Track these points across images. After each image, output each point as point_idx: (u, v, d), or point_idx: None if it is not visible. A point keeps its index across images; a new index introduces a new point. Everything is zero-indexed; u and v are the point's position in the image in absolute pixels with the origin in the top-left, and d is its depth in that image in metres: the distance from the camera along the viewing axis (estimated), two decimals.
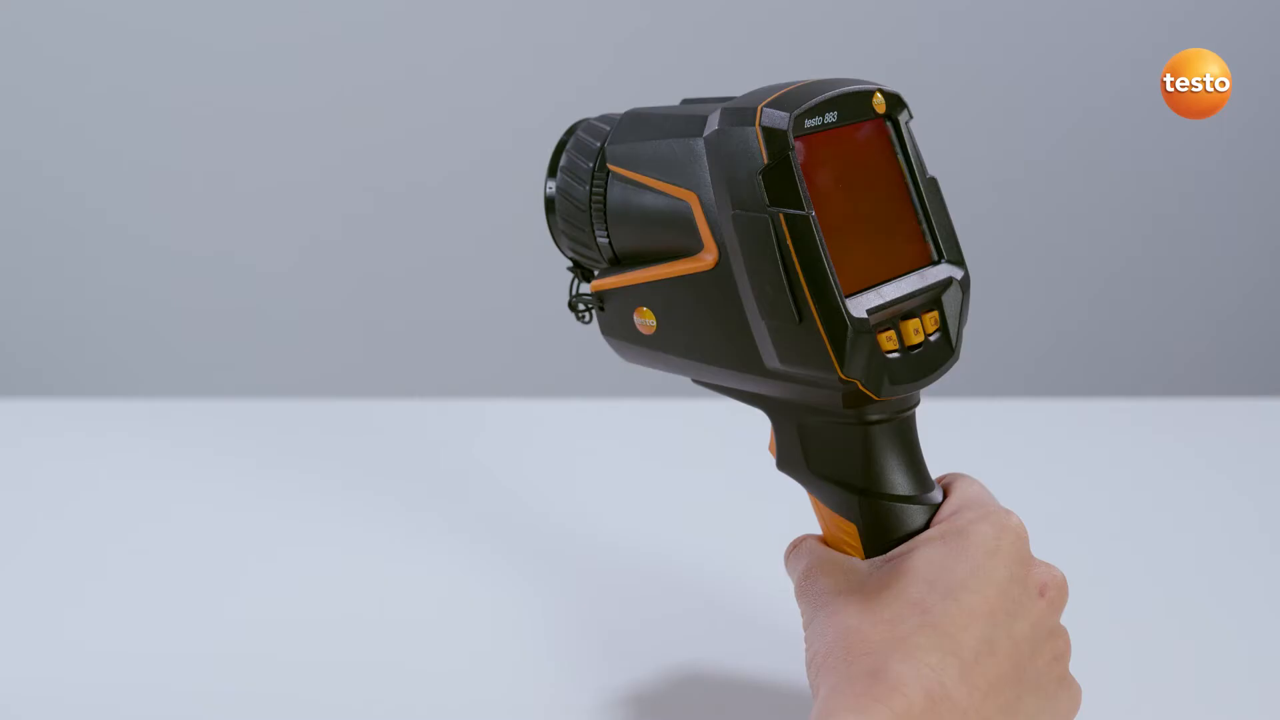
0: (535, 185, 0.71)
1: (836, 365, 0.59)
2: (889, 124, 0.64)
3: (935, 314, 0.63)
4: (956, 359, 0.64)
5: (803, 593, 0.63)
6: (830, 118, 0.61)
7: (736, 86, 0.70)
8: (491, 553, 0.93)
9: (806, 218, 0.59)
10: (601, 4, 2.28)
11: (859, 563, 0.62)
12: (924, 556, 0.60)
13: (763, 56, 2.25)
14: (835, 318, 0.59)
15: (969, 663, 0.57)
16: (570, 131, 0.68)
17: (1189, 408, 1.27)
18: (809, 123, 0.60)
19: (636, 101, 0.69)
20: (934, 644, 0.57)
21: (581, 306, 0.69)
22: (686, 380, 0.68)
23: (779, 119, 0.59)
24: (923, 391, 0.64)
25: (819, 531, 0.67)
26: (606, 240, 0.66)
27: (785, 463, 0.65)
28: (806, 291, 0.59)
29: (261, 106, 2.29)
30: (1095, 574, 0.83)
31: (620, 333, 0.67)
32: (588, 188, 0.66)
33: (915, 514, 0.63)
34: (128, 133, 2.29)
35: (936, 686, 0.56)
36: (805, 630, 0.62)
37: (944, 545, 0.60)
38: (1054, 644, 0.61)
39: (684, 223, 0.62)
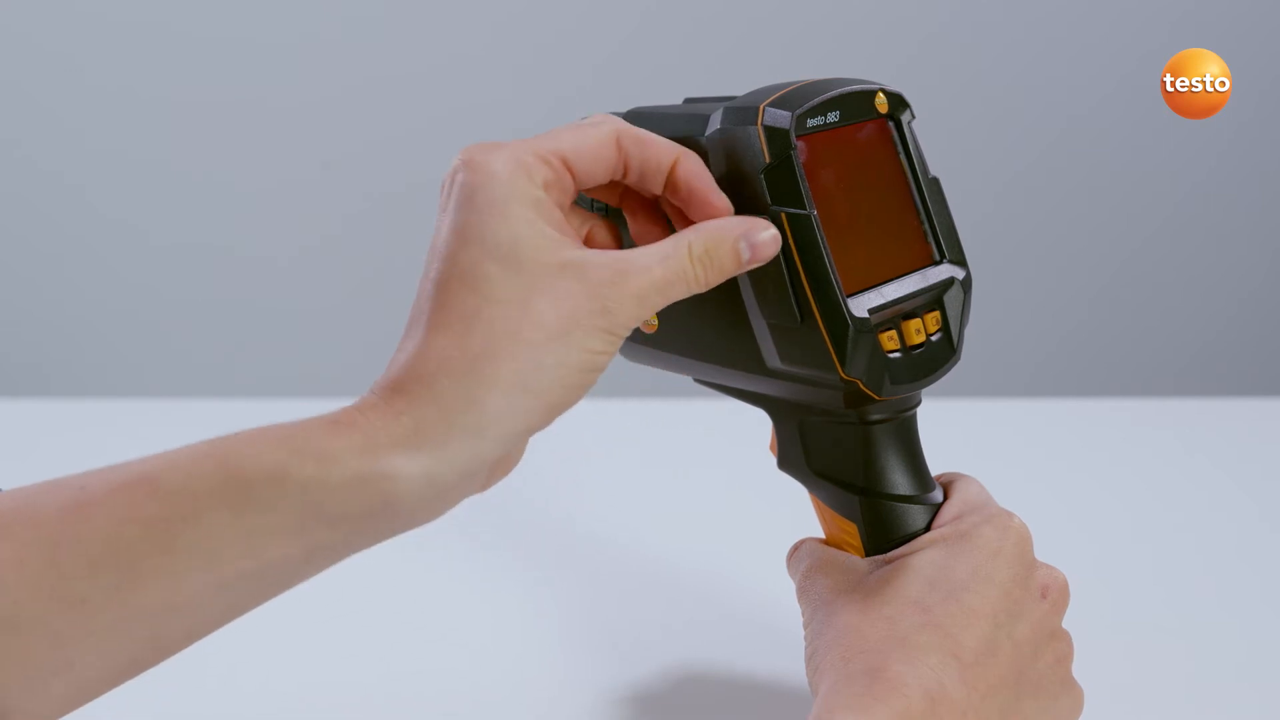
0: None
1: (838, 365, 0.59)
2: (891, 124, 0.64)
3: (937, 314, 0.63)
4: (958, 359, 0.64)
5: (803, 592, 0.63)
6: (832, 117, 0.61)
7: (738, 85, 0.70)
8: (489, 552, 0.93)
9: (808, 217, 0.59)
10: (602, 3, 2.28)
11: (860, 562, 0.62)
12: (925, 557, 0.60)
13: (764, 56, 2.25)
14: (837, 317, 0.59)
15: (969, 664, 0.57)
16: None
17: (1189, 408, 1.27)
18: (811, 122, 0.60)
19: (637, 101, 0.69)
20: (934, 644, 0.57)
21: None
22: (686, 380, 0.68)
23: (781, 118, 0.59)
24: (924, 391, 0.64)
25: (820, 532, 0.67)
26: None
27: (786, 462, 0.65)
28: (808, 291, 0.59)
29: (262, 104, 2.29)
30: (1096, 575, 0.83)
31: None
32: None
33: (916, 514, 0.63)
34: (127, 130, 2.29)
35: (936, 686, 0.56)
36: (805, 630, 0.62)
37: (946, 547, 0.60)
38: (1056, 646, 0.61)
39: None
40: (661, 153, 0.57)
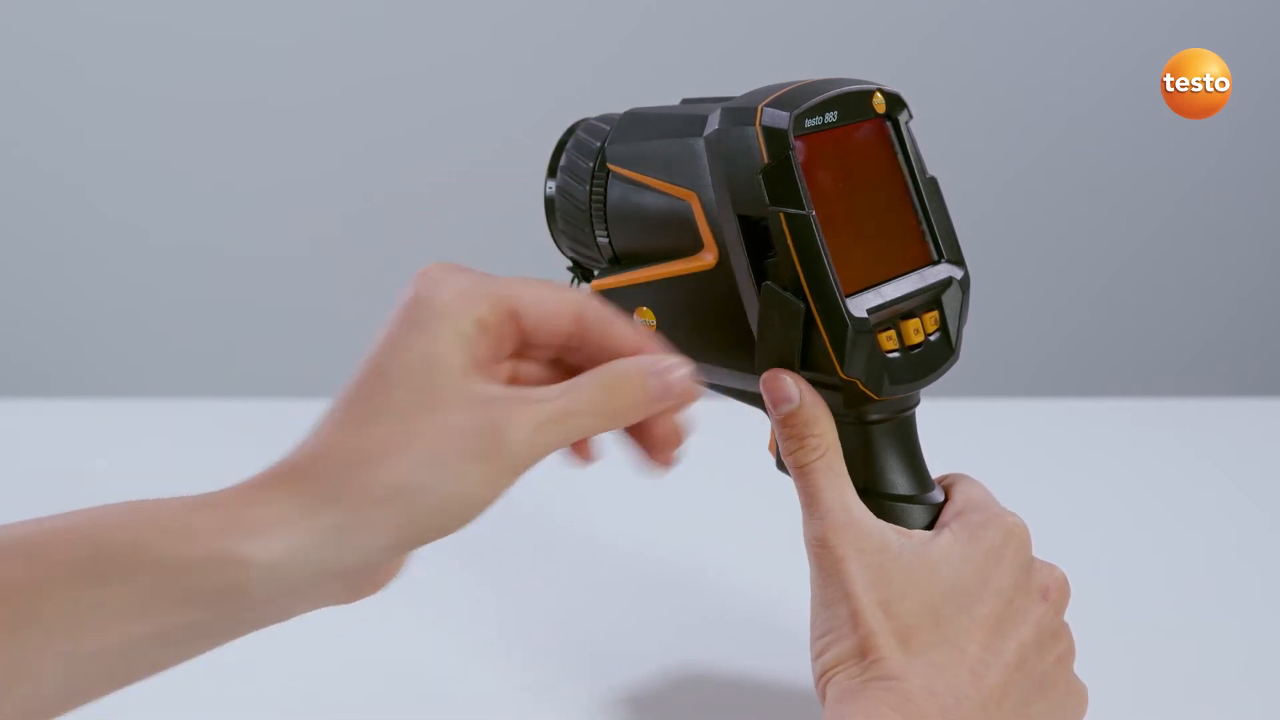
0: (535, 185, 0.71)
1: (836, 365, 0.59)
2: (889, 124, 0.64)
3: (935, 314, 0.63)
4: (956, 359, 0.64)
5: (821, 553, 0.60)
6: (830, 117, 0.61)
7: (736, 86, 0.70)
8: (489, 552, 0.93)
9: (807, 217, 0.59)
10: (601, 3, 2.28)
11: (889, 538, 0.60)
12: (944, 554, 0.59)
13: (763, 56, 2.25)
14: (835, 317, 0.59)
15: (980, 674, 0.58)
16: (570, 131, 0.68)
17: (1189, 408, 1.27)
18: (809, 122, 0.60)
19: (636, 101, 0.69)
20: (948, 659, 0.57)
21: None
22: None
23: (779, 119, 0.59)
24: (923, 391, 0.64)
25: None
26: (606, 240, 0.66)
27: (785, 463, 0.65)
28: (807, 291, 0.59)
29: (262, 104, 2.29)
30: (1096, 574, 0.83)
31: None
32: (587, 188, 0.66)
33: (915, 514, 0.63)
34: (127, 130, 2.29)
35: (950, 699, 0.56)
36: (816, 591, 0.60)
37: (959, 547, 0.60)
38: (1058, 646, 0.61)
39: (684, 222, 0.62)
40: (626, 342, 0.55)
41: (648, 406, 0.54)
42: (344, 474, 0.50)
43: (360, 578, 0.53)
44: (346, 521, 0.49)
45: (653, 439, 0.57)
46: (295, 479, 0.50)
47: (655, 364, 0.54)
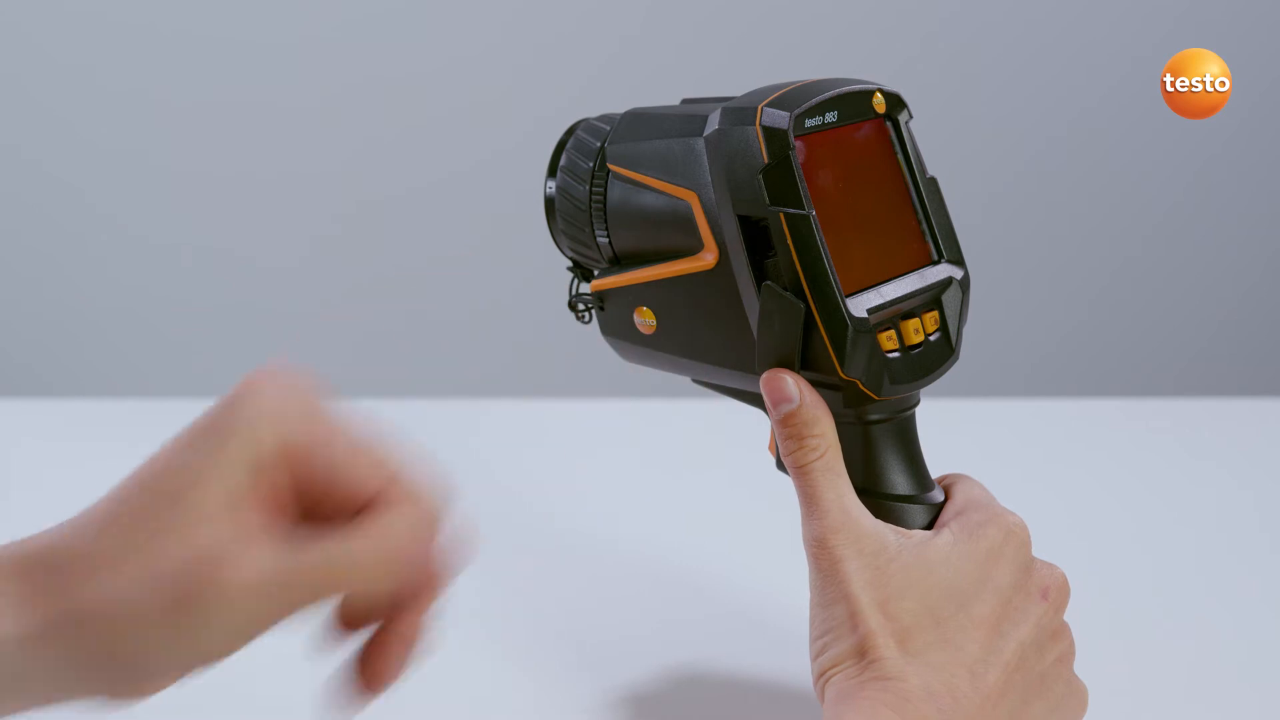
0: (535, 185, 0.71)
1: (837, 365, 0.59)
2: (889, 124, 0.65)
3: (935, 314, 0.63)
4: (956, 359, 0.64)
5: (820, 554, 0.60)
6: (830, 117, 0.61)
7: (736, 86, 0.70)
8: (490, 553, 0.93)
9: (807, 217, 0.59)
10: (601, 3, 2.28)
11: (888, 539, 0.60)
12: (943, 553, 0.60)
13: (763, 56, 2.25)
14: (836, 317, 0.59)
15: (979, 673, 0.58)
16: (570, 131, 0.68)
17: (1189, 408, 1.27)
18: (809, 122, 0.60)
19: (636, 101, 0.69)
20: (946, 659, 0.58)
21: (581, 306, 0.69)
22: (686, 380, 0.68)
23: (779, 118, 0.59)
24: (923, 391, 0.64)
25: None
26: (606, 240, 0.66)
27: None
28: (807, 291, 0.59)
29: (262, 104, 2.29)
30: (1095, 575, 0.83)
31: (620, 332, 0.67)
32: (588, 187, 0.66)
33: (915, 514, 0.63)
34: (126, 130, 2.29)
35: (948, 699, 0.56)
36: (815, 591, 0.60)
37: (958, 547, 0.60)
38: (1058, 645, 0.61)
39: (684, 222, 0.62)
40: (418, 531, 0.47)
41: (396, 574, 0.46)
42: (62, 575, 0.44)
43: (111, 684, 0.45)
44: (51, 625, 0.44)
45: (383, 648, 0.49)
46: (23, 566, 0.45)
47: (419, 535, 0.46)
